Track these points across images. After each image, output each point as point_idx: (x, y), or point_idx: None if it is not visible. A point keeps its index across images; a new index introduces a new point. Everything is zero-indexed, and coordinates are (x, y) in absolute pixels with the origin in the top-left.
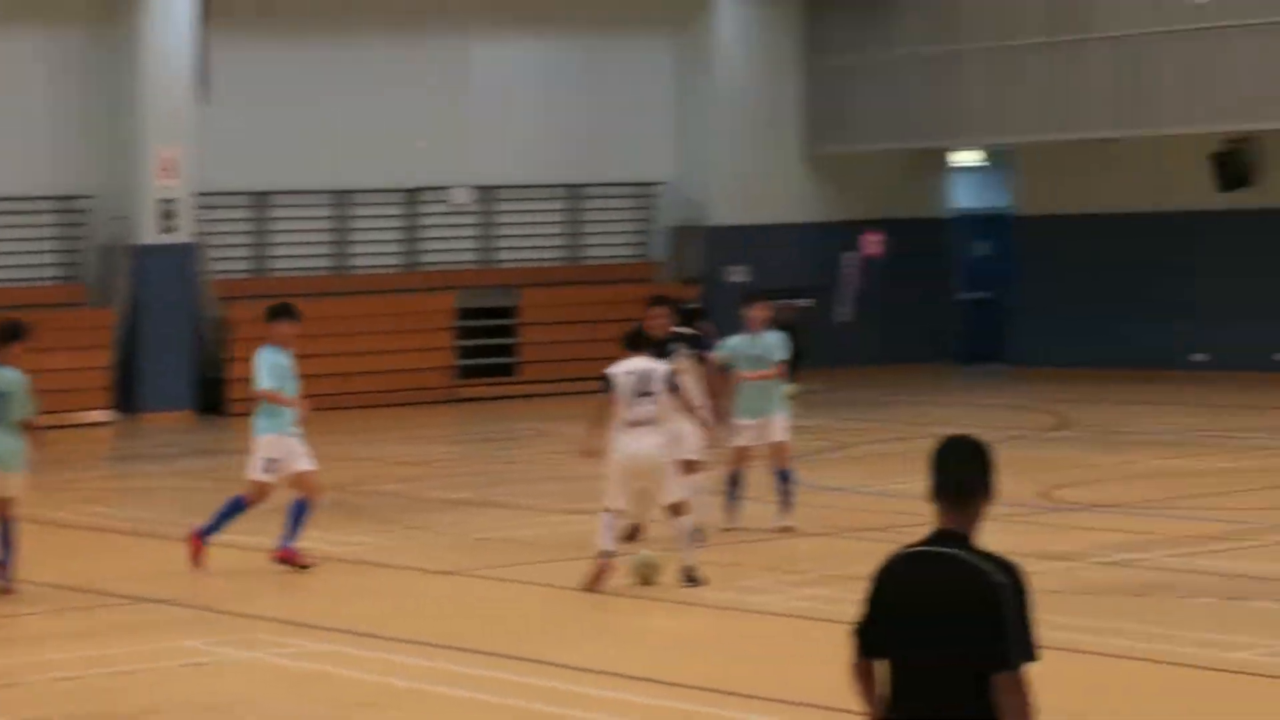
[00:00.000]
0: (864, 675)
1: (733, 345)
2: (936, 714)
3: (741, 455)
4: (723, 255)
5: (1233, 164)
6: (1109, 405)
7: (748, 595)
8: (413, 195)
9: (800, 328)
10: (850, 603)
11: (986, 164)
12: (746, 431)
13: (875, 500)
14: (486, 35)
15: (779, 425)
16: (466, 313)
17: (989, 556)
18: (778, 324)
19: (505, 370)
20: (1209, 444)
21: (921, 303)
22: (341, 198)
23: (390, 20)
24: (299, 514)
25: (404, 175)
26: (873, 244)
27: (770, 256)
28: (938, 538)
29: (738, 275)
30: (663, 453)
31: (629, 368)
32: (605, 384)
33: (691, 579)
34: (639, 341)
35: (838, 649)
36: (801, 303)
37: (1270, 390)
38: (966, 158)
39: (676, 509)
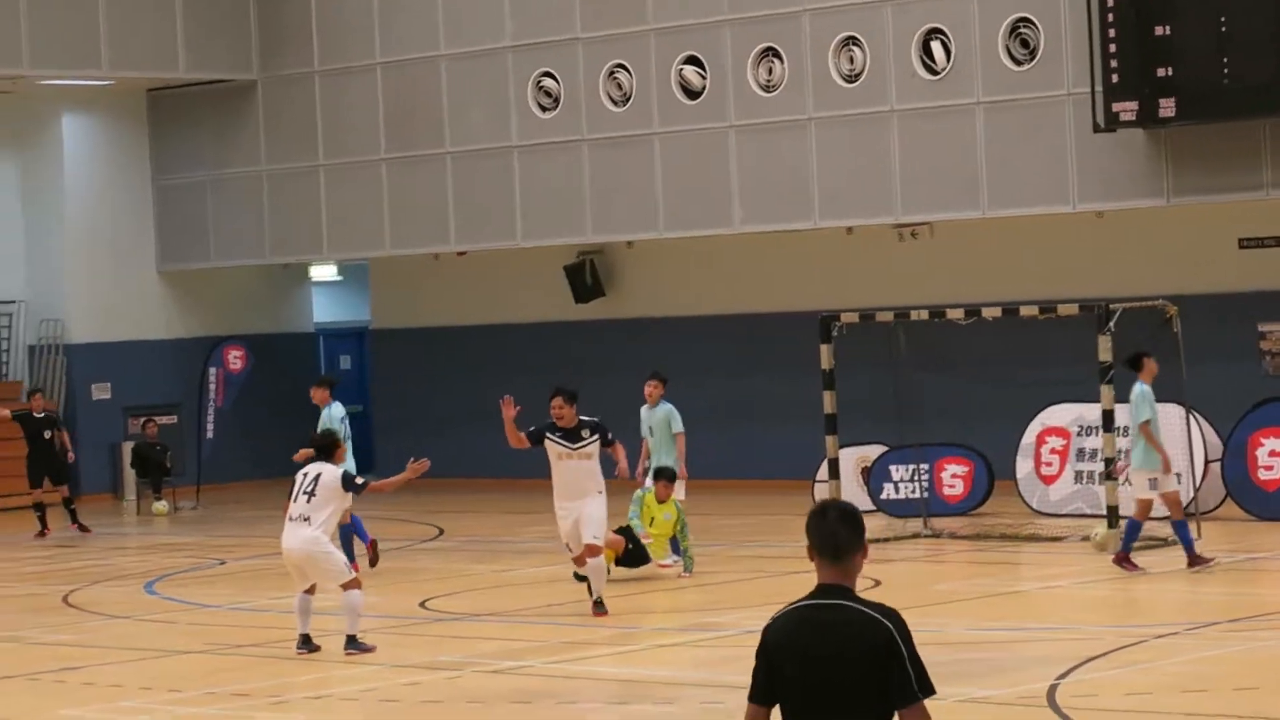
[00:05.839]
0: None
1: None
2: None
3: None
4: (85, 373)
5: (585, 276)
6: (486, 515)
7: (127, 716)
8: None
9: (163, 445)
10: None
11: (341, 278)
12: None
13: (251, 616)
14: None
15: None
16: None
17: (875, 605)
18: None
19: None
20: None
21: (287, 417)
22: None
23: None
24: None
25: None
26: (235, 359)
27: (133, 373)
28: (824, 591)
29: (102, 393)
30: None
31: (309, 470)
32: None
33: (356, 646)
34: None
35: None
36: (164, 419)
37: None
38: (324, 272)
39: (345, 586)
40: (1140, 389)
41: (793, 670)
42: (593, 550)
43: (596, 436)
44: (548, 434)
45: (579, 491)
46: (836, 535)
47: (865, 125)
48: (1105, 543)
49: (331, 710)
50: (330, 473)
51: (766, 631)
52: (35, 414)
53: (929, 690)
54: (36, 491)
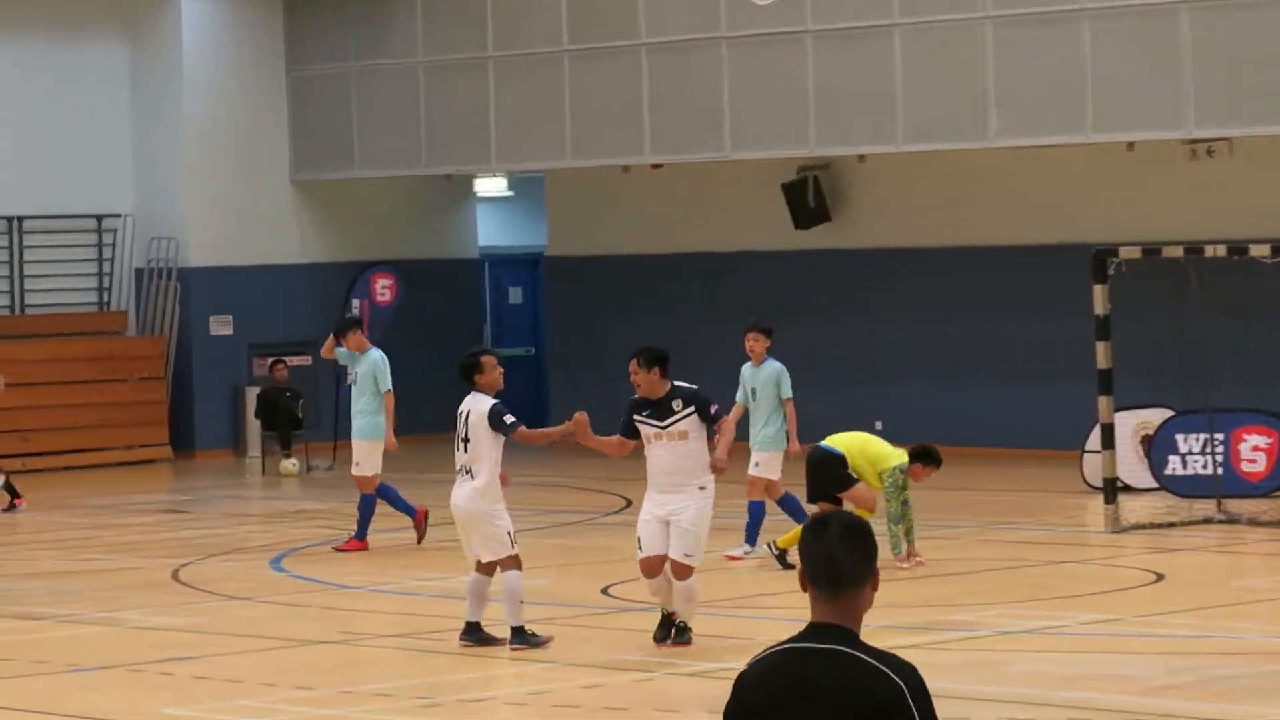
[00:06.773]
0: None
1: None
2: None
3: None
4: (202, 303)
5: (806, 196)
6: None
7: (245, 717)
8: None
9: (295, 391)
10: None
11: (512, 194)
12: None
13: (396, 600)
14: None
15: None
16: None
17: (882, 654)
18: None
19: None
20: None
21: (444, 360)
22: None
23: None
24: None
25: None
26: (383, 289)
27: (260, 305)
28: (816, 633)
29: (222, 327)
30: (474, 503)
31: (463, 406)
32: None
33: (524, 640)
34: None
35: None
36: (296, 361)
37: None
38: (492, 186)
39: (498, 565)
40: None
41: None
42: (682, 571)
43: (693, 409)
44: (635, 416)
45: (675, 483)
46: (836, 558)
47: (1151, 19)
48: None
49: (492, 715)
50: (478, 409)
51: (740, 681)
52: None
53: None
54: None
